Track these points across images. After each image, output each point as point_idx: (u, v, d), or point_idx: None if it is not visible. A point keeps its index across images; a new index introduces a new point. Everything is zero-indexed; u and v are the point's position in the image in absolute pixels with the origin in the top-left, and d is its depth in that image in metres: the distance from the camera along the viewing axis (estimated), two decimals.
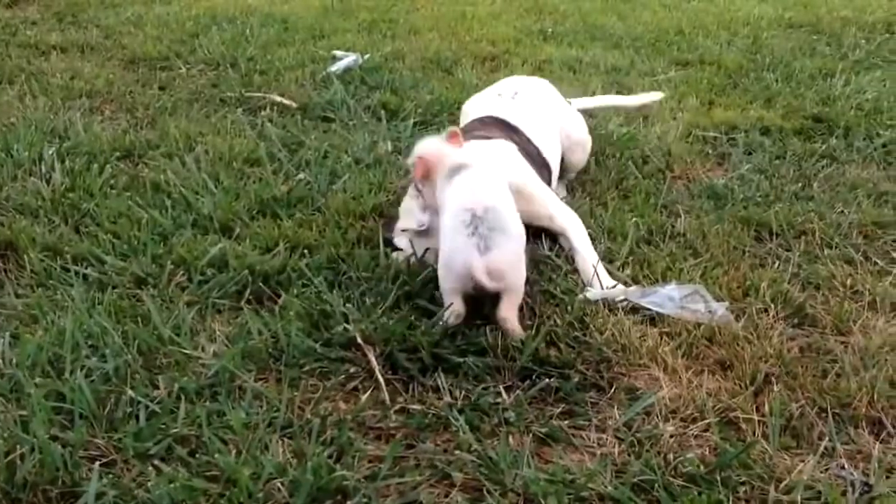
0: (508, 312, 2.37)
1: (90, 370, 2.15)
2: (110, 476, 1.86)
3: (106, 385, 2.12)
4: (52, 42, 5.52)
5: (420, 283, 2.57)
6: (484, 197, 2.37)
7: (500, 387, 2.20)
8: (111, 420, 2.01)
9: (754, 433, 2.04)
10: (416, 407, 2.13)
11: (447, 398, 2.16)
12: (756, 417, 2.08)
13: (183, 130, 3.87)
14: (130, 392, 2.08)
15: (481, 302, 2.40)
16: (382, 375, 2.23)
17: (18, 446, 1.88)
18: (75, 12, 6.37)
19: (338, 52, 5.34)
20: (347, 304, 2.49)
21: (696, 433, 2.05)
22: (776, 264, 2.81)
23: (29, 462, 1.85)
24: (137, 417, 2.02)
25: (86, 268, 2.66)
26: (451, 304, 2.38)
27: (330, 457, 1.93)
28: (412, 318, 2.41)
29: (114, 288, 2.55)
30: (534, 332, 2.37)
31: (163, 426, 1.99)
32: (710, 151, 3.86)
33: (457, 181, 2.47)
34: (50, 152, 3.48)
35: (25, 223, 2.87)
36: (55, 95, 4.39)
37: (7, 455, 1.86)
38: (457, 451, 1.97)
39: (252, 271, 2.64)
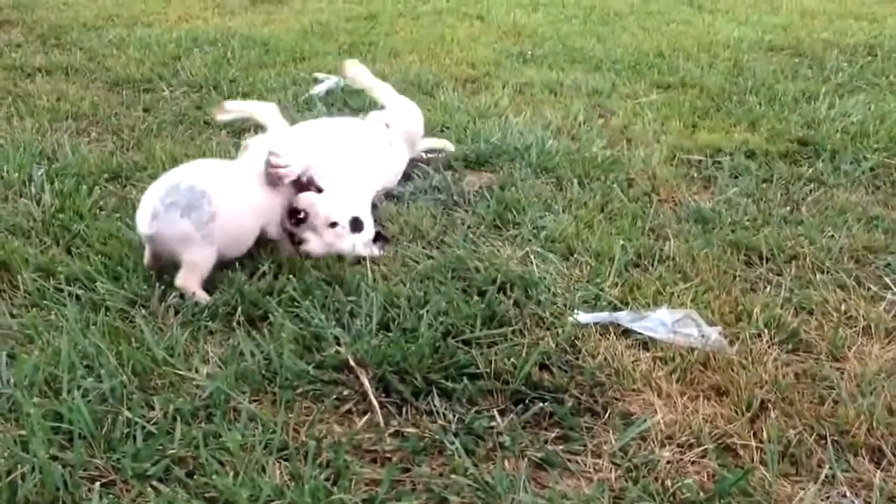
0: (186, 281, 2.66)
1: (86, 390, 2.16)
2: (110, 496, 1.86)
3: (103, 405, 2.12)
4: (36, 64, 5.52)
5: (405, 305, 2.58)
6: (190, 176, 2.73)
7: (494, 410, 2.21)
8: (109, 440, 2.01)
9: (752, 460, 2.05)
10: (411, 430, 2.14)
11: (441, 421, 2.16)
12: (754, 444, 2.09)
13: (169, 152, 3.87)
14: (127, 413, 2.09)
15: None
16: (376, 398, 2.23)
17: (19, 466, 1.89)
18: (58, 35, 6.37)
19: (319, 75, 5.35)
20: (337, 327, 2.49)
21: (693, 459, 2.05)
22: (768, 289, 2.82)
23: (30, 481, 1.85)
24: (135, 438, 2.02)
25: (79, 288, 2.66)
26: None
27: (327, 479, 1.93)
28: (402, 340, 2.42)
29: (106, 309, 2.55)
30: (525, 354, 2.38)
31: (160, 447, 1.99)
32: (695, 175, 3.88)
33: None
34: (39, 174, 3.49)
35: (18, 244, 2.87)
36: (42, 117, 4.40)
37: (8, 474, 1.86)
38: (453, 475, 1.97)
39: (241, 293, 2.64)
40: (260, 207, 2.88)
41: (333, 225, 2.98)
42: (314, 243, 2.97)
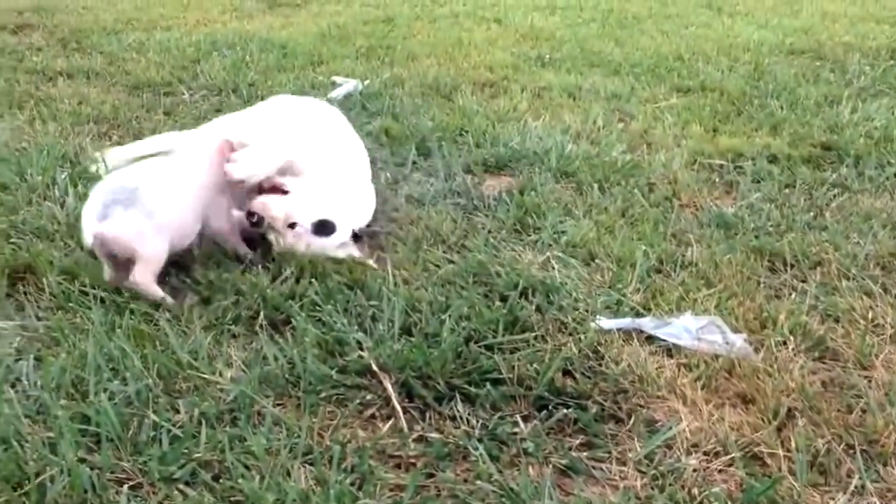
0: (140, 277, 2.65)
1: (112, 393, 2.16)
2: (138, 499, 1.87)
3: (128, 408, 2.13)
4: (58, 68, 5.55)
5: (427, 310, 2.58)
6: (121, 178, 2.79)
7: (517, 416, 2.20)
8: (135, 443, 2.02)
9: (780, 469, 2.03)
10: (434, 435, 2.13)
11: (464, 427, 2.15)
12: (781, 453, 2.07)
13: None
14: (153, 416, 2.09)
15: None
16: (399, 403, 2.23)
17: (48, 468, 1.89)
18: (79, 38, 6.41)
19: (337, 78, 5.36)
20: (359, 332, 2.49)
21: (719, 467, 2.04)
22: (792, 296, 2.80)
23: (59, 483, 1.86)
24: (161, 441, 2.02)
25: (103, 291, 2.67)
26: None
27: (352, 484, 1.93)
28: (425, 345, 2.41)
29: (131, 312, 2.56)
30: (547, 360, 2.37)
31: (186, 450, 2.00)
32: (716, 179, 3.86)
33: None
34: (63, 177, 3.51)
35: (42, 247, 2.88)
36: (64, 121, 4.42)
37: (37, 476, 1.87)
38: (477, 482, 1.96)
39: (264, 297, 2.64)
40: (197, 201, 2.88)
41: (293, 226, 2.97)
42: (275, 244, 3.00)
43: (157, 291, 2.67)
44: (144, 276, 2.66)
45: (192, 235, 2.86)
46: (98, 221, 2.63)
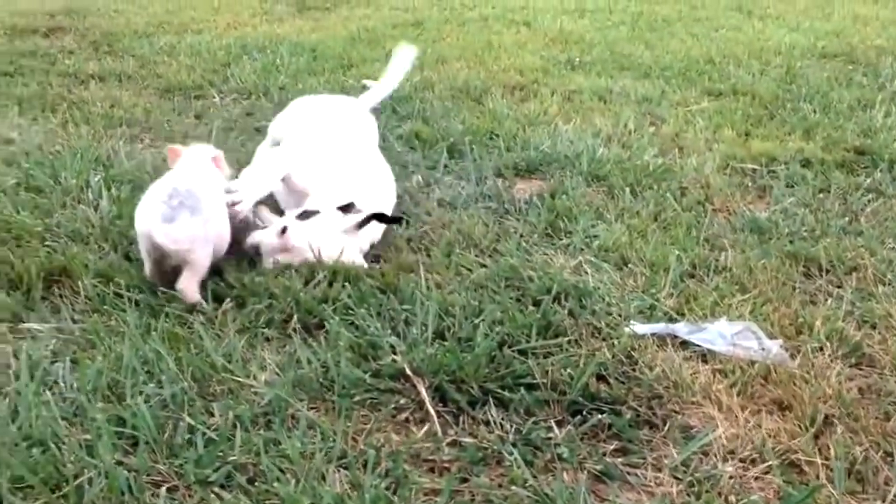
0: (187, 284, 2.67)
1: (148, 396, 2.17)
2: (174, 502, 1.88)
3: (164, 411, 2.14)
4: (89, 71, 5.59)
5: (460, 314, 2.58)
6: (187, 180, 2.79)
7: (551, 421, 2.19)
8: (171, 446, 2.02)
9: (818, 476, 2.01)
10: (468, 440, 2.12)
11: (498, 431, 2.15)
12: (819, 460, 2.05)
13: None
14: (188, 419, 2.10)
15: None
16: (433, 407, 2.22)
17: (86, 470, 1.90)
18: (110, 42, 6.45)
19: (368, 82, 5.36)
20: (393, 336, 2.49)
21: (756, 475, 2.02)
22: (828, 301, 2.78)
23: (96, 486, 1.87)
24: (196, 444, 2.03)
25: (138, 294, 2.68)
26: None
27: (387, 489, 1.92)
28: (458, 349, 2.41)
29: (165, 315, 2.57)
30: (581, 365, 2.36)
31: (221, 453, 2.00)
32: (749, 184, 3.84)
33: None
34: (96, 180, 3.52)
35: (77, 249, 2.89)
36: (97, 124, 4.44)
37: (75, 478, 1.88)
38: (512, 487, 1.95)
39: (297, 301, 2.65)
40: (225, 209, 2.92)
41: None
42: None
43: (199, 298, 2.68)
44: (192, 283, 2.68)
45: (226, 245, 2.88)
46: (162, 222, 2.63)
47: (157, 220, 2.64)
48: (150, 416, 2.07)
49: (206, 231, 2.71)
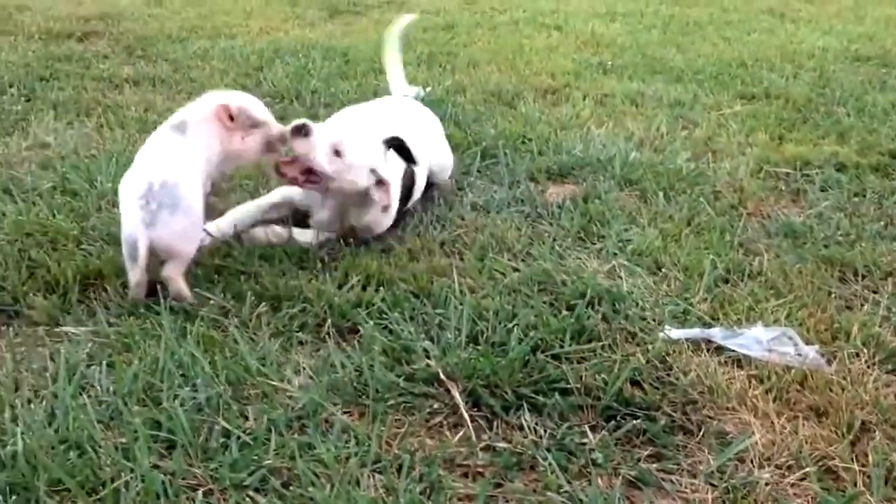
0: (172, 272, 2.67)
1: (183, 400, 2.19)
2: None
3: (199, 415, 2.15)
4: (124, 75, 5.61)
5: (493, 319, 2.58)
6: (159, 171, 2.68)
7: (585, 426, 2.18)
8: (206, 450, 2.03)
9: (855, 483, 2.00)
10: (502, 445, 2.12)
11: (532, 436, 2.15)
12: (856, 467, 2.04)
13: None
14: (223, 422, 2.11)
15: None
16: (467, 412, 2.22)
17: (122, 474, 1.92)
18: (144, 46, 6.48)
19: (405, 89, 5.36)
20: (426, 340, 2.50)
21: (793, 482, 2.01)
22: (864, 307, 2.76)
23: (133, 489, 1.88)
24: (231, 448, 2.03)
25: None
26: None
27: (422, 493, 1.93)
28: (492, 354, 2.41)
29: (200, 318, 2.58)
30: (615, 370, 2.35)
31: (256, 457, 2.01)
32: (783, 188, 3.82)
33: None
34: None
35: (113, 253, 2.90)
36: (131, 128, 4.46)
37: (112, 482, 1.89)
38: (546, 492, 1.95)
39: (330, 305, 2.66)
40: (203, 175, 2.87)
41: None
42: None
43: (187, 290, 2.70)
44: (176, 272, 2.69)
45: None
46: (146, 229, 2.59)
47: (139, 227, 2.60)
48: (185, 420, 2.08)
49: (191, 221, 2.70)
